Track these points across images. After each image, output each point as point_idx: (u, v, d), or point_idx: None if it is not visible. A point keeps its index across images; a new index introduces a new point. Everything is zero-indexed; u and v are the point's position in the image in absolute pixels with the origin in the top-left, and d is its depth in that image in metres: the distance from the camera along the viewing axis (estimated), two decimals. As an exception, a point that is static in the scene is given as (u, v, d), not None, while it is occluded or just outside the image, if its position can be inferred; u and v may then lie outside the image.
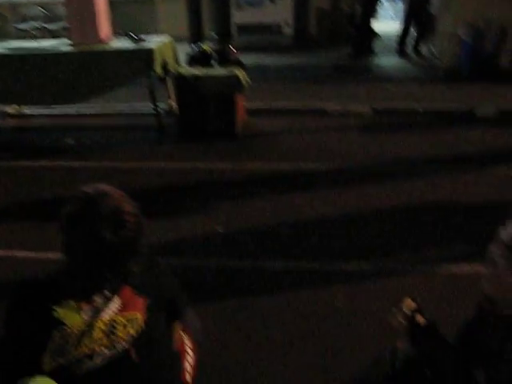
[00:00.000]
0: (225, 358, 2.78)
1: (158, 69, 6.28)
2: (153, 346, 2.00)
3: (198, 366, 2.47)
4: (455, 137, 6.26)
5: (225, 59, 6.99)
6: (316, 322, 3.05)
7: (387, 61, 10.61)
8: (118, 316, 1.90)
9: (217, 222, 4.23)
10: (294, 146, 5.98)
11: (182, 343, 2.41)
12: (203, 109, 6.27)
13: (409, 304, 1.90)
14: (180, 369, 2.32)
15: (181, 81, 6.35)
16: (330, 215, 4.37)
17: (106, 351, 1.85)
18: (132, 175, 5.24)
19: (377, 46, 11.14)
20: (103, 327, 1.87)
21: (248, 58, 9.64)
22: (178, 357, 2.33)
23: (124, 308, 1.92)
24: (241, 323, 3.07)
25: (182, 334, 2.41)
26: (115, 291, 1.92)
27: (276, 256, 3.76)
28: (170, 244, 3.96)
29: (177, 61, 7.01)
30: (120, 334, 1.88)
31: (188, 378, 2.34)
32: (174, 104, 6.84)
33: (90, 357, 1.82)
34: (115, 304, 1.91)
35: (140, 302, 1.96)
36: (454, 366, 1.90)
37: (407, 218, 4.30)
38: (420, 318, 1.88)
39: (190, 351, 2.44)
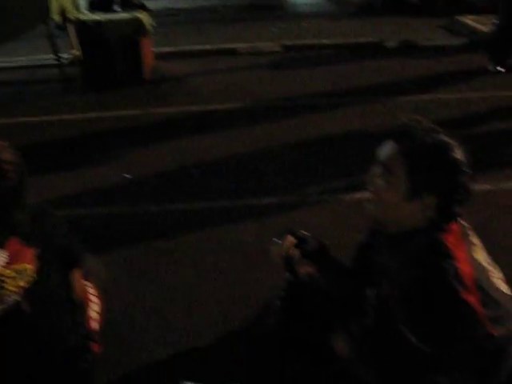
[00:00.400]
0: (134, 303, 2.76)
1: (56, 16, 5.96)
2: (47, 296, 1.95)
3: (105, 312, 2.44)
4: (365, 69, 6.34)
5: (127, 3, 6.71)
6: (225, 257, 3.08)
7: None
8: (5, 269, 1.83)
9: (126, 168, 4.13)
10: (204, 88, 5.88)
11: (86, 292, 2.37)
12: (108, 55, 6.02)
13: (289, 240, 1.91)
14: (84, 317, 2.28)
15: (82, 28, 6.04)
16: (238, 153, 4.37)
17: (-5, 306, 1.78)
18: (36, 130, 5.00)
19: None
20: (-10, 282, 1.79)
21: (158, 3, 9.35)
22: (82, 305, 2.29)
23: (12, 260, 1.85)
24: (151, 266, 3.05)
25: (84, 282, 2.36)
26: (1, 244, 1.84)
27: (186, 197, 3.73)
28: (78, 195, 3.83)
29: (76, 7, 6.67)
30: (10, 288, 1.81)
31: (94, 325, 2.31)
32: (77, 53, 6.53)
33: (-22, 314, 1.76)
34: (2, 257, 1.84)
35: (29, 253, 1.89)
36: (348, 288, 1.96)
37: (315, 151, 4.35)
38: (295, 252, 1.90)
39: (94, 299, 2.40)
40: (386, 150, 1.69)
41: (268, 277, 2.81)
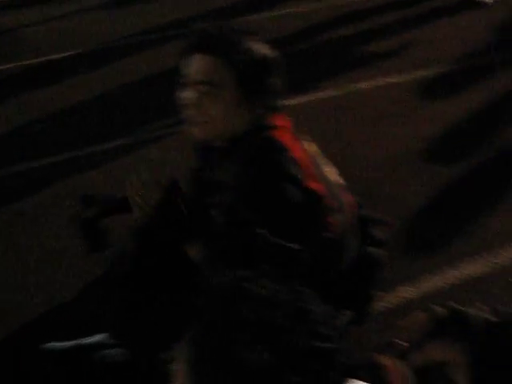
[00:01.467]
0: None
1: None
2: None
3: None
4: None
5: None
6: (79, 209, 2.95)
7: None
8: None
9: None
10: (40, 39, 5.43)
11: None
12: None
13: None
14: None
15: None
16: (82, 100, 4.17)
17: None
18: None
19: None
20: None
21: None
22: None
23: None
24: (3, 230, 2.91)
25: None
26: None
27: (31, 155, 3.53)
28: None
29: None
30: None
31: None
32: None
33: None
34: None
35: None
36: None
37: (163, 85, 4.20)
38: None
39: None
40: (203, 64, 1.61)
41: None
